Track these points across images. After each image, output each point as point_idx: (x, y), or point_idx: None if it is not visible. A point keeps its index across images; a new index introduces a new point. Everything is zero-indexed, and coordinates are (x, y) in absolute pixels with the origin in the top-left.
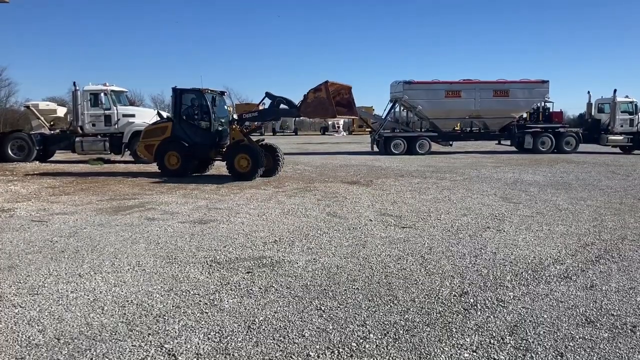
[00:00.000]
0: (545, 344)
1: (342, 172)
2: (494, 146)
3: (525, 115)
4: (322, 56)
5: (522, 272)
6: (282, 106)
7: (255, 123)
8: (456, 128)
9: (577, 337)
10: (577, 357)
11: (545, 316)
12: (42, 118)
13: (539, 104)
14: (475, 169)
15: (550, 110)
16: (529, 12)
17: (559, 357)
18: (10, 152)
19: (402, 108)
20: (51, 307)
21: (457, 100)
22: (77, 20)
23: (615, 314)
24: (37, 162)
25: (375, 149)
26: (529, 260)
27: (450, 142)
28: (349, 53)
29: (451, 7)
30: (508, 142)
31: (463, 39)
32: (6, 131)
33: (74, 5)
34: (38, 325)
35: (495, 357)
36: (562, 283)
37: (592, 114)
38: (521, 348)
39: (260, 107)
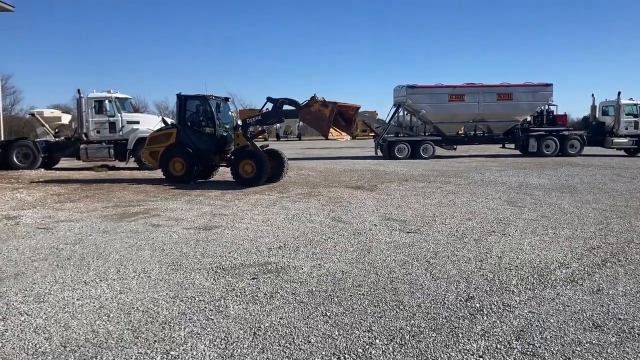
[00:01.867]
0: (552, 349)
1: (346, 176)
2: (498, 150)
3: (529, 118)
4: (325, 60)
5: (527, 276)
6: (285, 107)
7: (259, 127)
8: (460, 132)
9: (584, 341)
10: None
11: (551, 321)
12: (46, 125)
13: (542, 107)
14: (480, 172)
15: (554, 113)
16: (531, 15)
17: None
18: (15, 159)
19: (405, 112)
20: (57, 315)
21: (461, 104)
22: (81, 28)
23: (622, 318)
24: (42, 169)
25: (379, 153)
26: (535, 264)
27: (455, 146)
28: (352, 57)
29: (454, 11)
30: (512, 146)
31: (466, 42)
32: (11, 139)
33: (78, 13)
34: (44, 333)
35: None
36: (568, 287)
37: (597, 116)
38: (528, 353)
39: (264, 111)
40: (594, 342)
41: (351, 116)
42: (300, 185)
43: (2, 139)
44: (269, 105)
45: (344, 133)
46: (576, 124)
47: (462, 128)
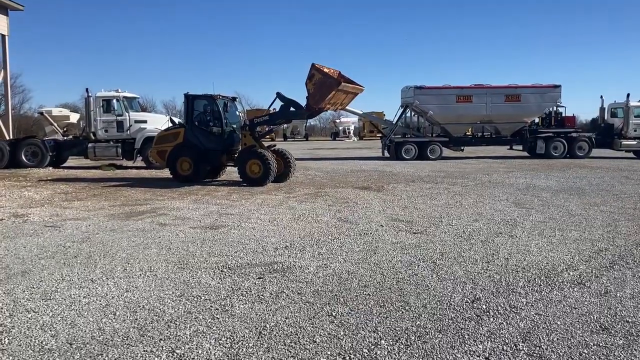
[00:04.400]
0: (559, 351)
1: (353, 177)
2: (506, 151)
3: (537, 120)
4: (333, 61)
5: (534, 278)
6: (291, 109)
7: (267, 127)
8: (467, 133)
9: (592, 344)
10: None
11: (558, 323)
12: (55, 124)
13: (551, 109)
14: (487, 174)
15: (563, 115)
16: (540, 16)
17: None
18: (24, 158)
19: (413, 113)
20: (64, 312)
21: (469, 105)
22: (89, 27)
23: (630, 320)
24: (51, 167)
25: (386, 154)
26: (542, 266)
27: (462, 147)
28: (360, 58)
29: (462, 12)
30: (520, 147)
31: (474, 43)
32: (20, 137)
33: (87, 13)
34: (51, 330)
35: None
36: (575, 289)
37: (605, 118)
38: (535, 355)
39: (271, 111)
40: (601, 344)
41: (345, 79)
42: (307, 185)
43: (11, 137)
44: (277, 103)
45: (358, 86)
46: (585, 126)
47: (470, 129)
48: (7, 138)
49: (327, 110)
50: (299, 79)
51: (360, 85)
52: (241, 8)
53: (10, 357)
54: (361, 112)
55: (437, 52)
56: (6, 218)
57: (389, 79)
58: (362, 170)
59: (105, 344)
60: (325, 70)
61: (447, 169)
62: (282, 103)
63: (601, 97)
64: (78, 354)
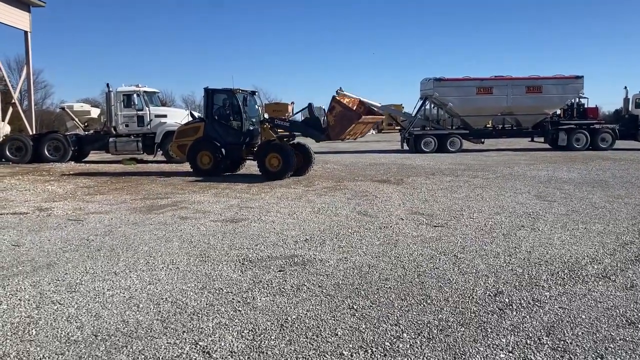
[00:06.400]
0: (584, 345)
1: (372, 170)
2: (527, 143)
3: (559, 111)
4: (350, 54)
5: (558, 272)
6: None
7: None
8: (488, 125)
9: (618, 338)
10: (618, 359)
11: (583, 317)
12: (76, 119)
13: (573, 100)
14: (508, 166)
15: (585, 106)
16: (561, 7)
17: (598, 359)
18: (46, 152)
19: (432, 105)
20: (88, 305)
21: (489, 97)
22: (110, 23)
23: None
24: (73, 162)
25: (405, 147)
26: (565, 260)
27: (482, 140)
28: (378, 50)
29: (480, 3)
30: (541, 139)
31: (494, 35)
32: (42, 132)
33: (107, 9)
34: (76, 322)
35: (532, 358)
36: (600, 283)
37: (629, 109)
38: (559, 349)
39: (290, 107)
40: (627, 338)
41: (366, 109)
42: (326, 178)
43: (34, 132)
44: (296, 107)
45: (377, 116)
46: (608, 117)
47: (490, 121)
48: (30, 133)
49: (345, 139)
50: (317, 72)
51: (381, 114)
52: (260, 2)
53: (38, 348)
54: (380, 105)
55: (456, 43)
56: (31, 212)
57: (407, 71)
58: (381, 164)
59: (129, 336)
60: (346, 101)
61: (467, 161)
62: (308, 116)
63: (625, 87)
64: (103, 346)
